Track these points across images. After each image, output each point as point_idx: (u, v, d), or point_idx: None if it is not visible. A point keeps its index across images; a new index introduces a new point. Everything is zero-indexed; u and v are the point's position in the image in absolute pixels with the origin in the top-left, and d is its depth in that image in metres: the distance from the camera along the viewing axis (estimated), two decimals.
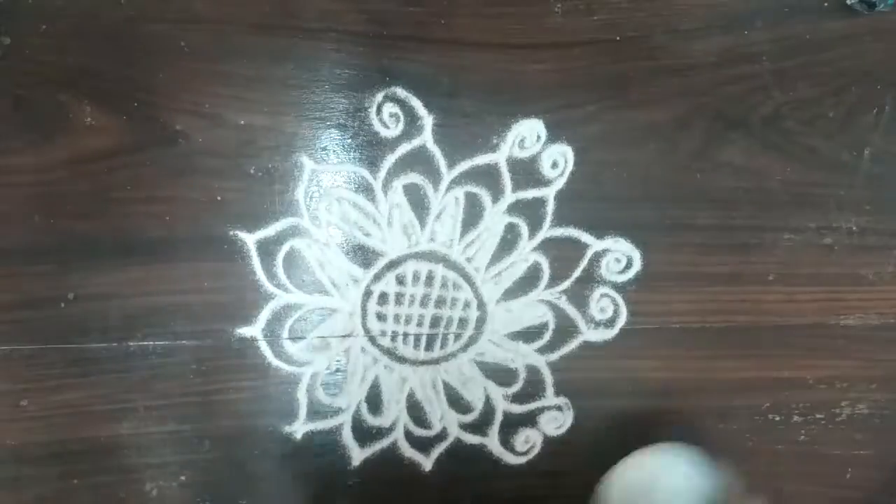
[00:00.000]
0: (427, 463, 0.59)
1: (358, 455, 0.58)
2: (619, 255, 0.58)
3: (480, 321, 0.58)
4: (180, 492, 0.56)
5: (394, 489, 0.59)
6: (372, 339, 0.57)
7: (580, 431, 0.61)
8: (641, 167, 0.57)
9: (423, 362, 0.58)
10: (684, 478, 0.48)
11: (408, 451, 0.59)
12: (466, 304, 0.58)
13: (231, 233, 0.53)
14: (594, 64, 0.55)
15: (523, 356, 0.59)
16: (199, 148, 0.52)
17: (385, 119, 0.53)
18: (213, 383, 0.55)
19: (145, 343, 0.54)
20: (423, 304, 0.57)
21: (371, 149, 0.54)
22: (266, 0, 0.51)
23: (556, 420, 0.60)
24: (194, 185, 0.52)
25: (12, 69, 0.49)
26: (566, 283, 0.58)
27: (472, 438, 0.60)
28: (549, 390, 0.60)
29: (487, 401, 0.59)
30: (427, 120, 0.54)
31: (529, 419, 0.60)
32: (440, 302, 0.57)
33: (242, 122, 0.52)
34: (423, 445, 0.59)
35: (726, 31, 0.55)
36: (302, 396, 0.57)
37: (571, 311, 0.59)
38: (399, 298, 0.57)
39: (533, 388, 0.59)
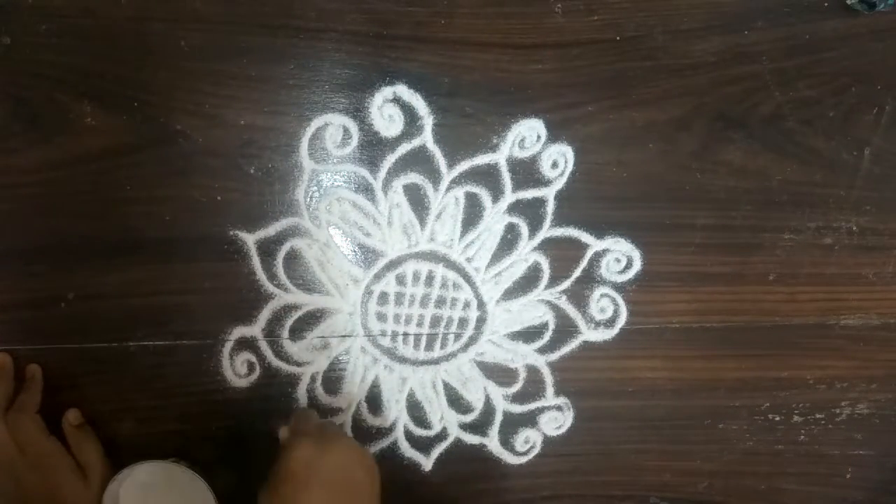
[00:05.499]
0: (427, 463, 0.59)
1: None
2: (619, 255, 0.58)
3: (480, 321, 0.58)
4: None
5: (394, 489, 0.59)
6: (372, 339, 0.57)
7: (580, 431, 0.61)
8: (641, 167, 0.57)
9: (423, 362, 0.58)
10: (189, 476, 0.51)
11: (408, 451, 0.59)
12: (466, 304, 0.58)
13: (231, 233, 0.53)
14: (594, 64, 0.54)
15: (523, 356, 0.59)
16: (199, 148, 0.52)
17: (385, 119, 0.53)
18: (213, 383, 0.55)
19: (145, 343, 0.54)
20: (423, 304, 0.57)
21: (371, 149, 0.54)
22: (266, 0, 0.51)
23: (556, 420, 0.60)
24: (194, 185, 0.52)
25: (12, 69, 0.49)
26: (566, 283, 0.58)
27: (472, 438, 0.60)
28: (549, 390, 0.60)
29: (487, 401, 0.59)
30: (427, 120, 0.54)
31: (529, 419, 0.60)
32: (440, 302, 0.57)
33: (242, 122, 0.52)
34: (423, 445, 0.59)
35: (726, 31, 0.55)
36: (302, 396, 0.56)
37: (571, 311, 0.59)
38: (399, 298, 0.57)
39: (533, 388, 0.59)
